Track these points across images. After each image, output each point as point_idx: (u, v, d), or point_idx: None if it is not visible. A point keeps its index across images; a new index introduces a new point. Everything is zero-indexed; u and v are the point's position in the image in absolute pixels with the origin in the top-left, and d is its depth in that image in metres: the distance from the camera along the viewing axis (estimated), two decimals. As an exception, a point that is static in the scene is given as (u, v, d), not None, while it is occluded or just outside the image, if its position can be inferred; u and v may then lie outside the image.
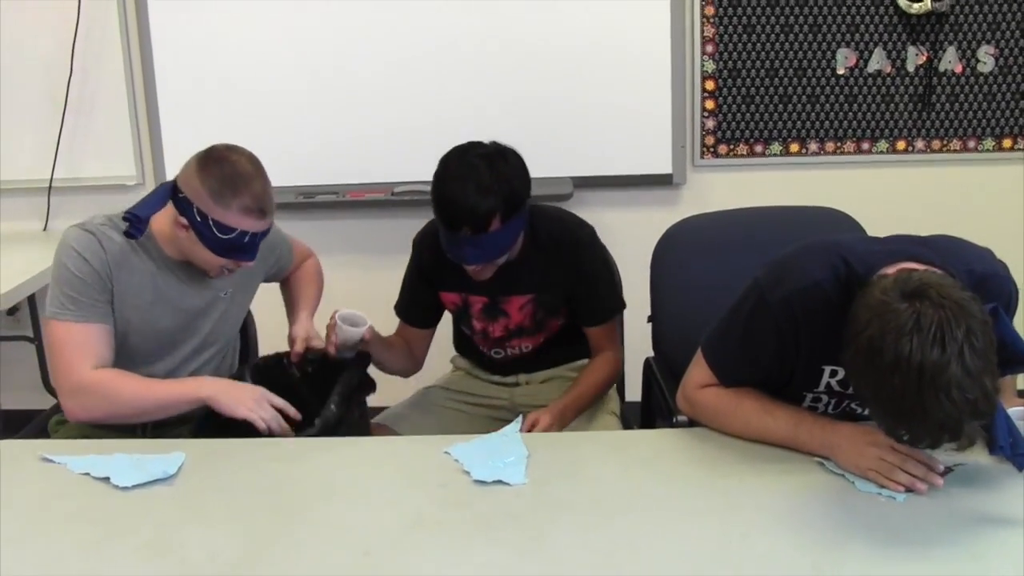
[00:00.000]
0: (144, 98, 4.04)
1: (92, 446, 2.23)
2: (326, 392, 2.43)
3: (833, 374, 2.11)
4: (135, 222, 2.36)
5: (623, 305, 2.83)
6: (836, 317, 1.92)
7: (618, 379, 2.89)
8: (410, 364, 2.87)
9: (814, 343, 2.05)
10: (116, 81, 4.04)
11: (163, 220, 2.44)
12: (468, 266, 2.54)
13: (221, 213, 2.33)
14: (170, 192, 2.38)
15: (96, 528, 1.88)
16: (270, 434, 2.28)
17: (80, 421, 2.41)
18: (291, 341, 2.64)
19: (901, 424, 1.77)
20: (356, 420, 2.52)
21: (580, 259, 2.68)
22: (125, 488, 2.01)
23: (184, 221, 2.35)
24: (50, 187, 4.11)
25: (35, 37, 4.02)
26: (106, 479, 2.05)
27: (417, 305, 2.84)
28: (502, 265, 2.61)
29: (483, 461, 2.08)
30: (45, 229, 4.16)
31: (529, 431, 2.46)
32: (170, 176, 3.96)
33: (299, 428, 2.33)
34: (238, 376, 2.52)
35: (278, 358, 2.61)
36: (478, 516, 1.88)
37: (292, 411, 2.33)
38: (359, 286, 4.12)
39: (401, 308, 2.86)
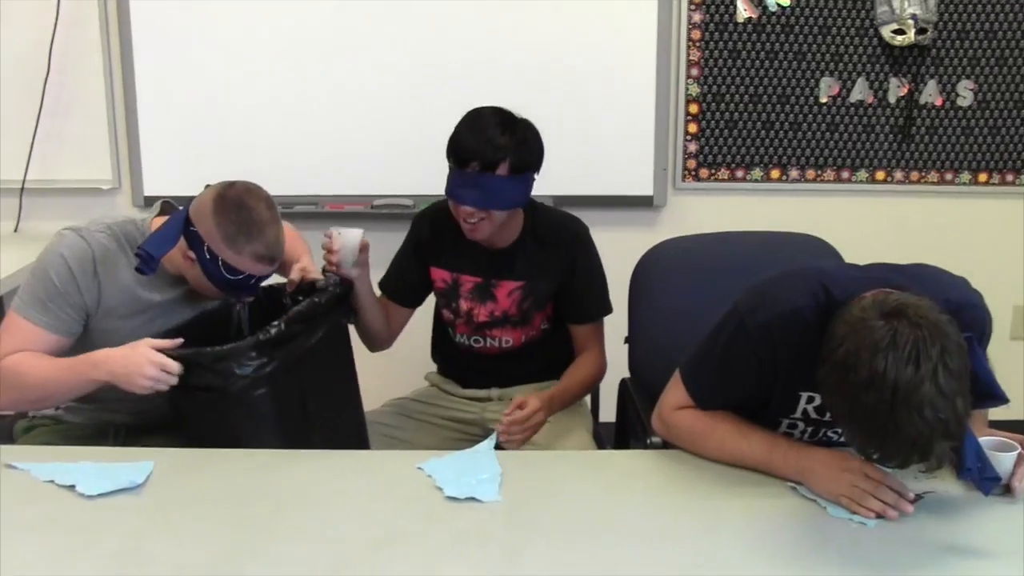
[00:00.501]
0: (123, 101, 4.00)
1: (58, 453, 2.20)
2: (307, 320, 2.39)
3: (810, 400, 2.11)
4: (148, 260, 2.29)
5: (611, 308, 2.85)
6: (814, 343, 1.93)
7: (600, 381, 2.90)
8: (385, 333, 2.85)
9: (792, 369, 2.05)
10: (95, 82, 3.99)
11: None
12: (465, 209, 2.57)
13: (232, 257, 2.30)
14: (183, 225, 2.34)
15: (61, 538, 1.85)
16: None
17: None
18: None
19: (872, 442, 1.78)
20: (321, 347, 2.44)
21: (576, 253, 2.75)
22: (91, 496, 1.98)
23: (192, 255, 2.33)
24: (23, 188, 4.05)
25: (12, 34, 3.96)
26: (71, 487, 2.02)
27: (403, 281, 2.85)
28: (497, 250, 2.71)
29: (456, 477, 2.06)
30: (16, 230, 4.09)
31: (511, 420, 2.51)
32: (147, 182, 3.98)
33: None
34: (228, 306, 2.49)
35: (274, 289, 2.57)
36: (451, 533, 1.86)
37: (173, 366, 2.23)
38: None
39: (386, 283, 2.88)
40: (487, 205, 2.56)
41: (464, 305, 2.78)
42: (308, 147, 4.03)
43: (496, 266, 2.74)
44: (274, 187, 3.94)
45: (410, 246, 2.85)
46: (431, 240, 2.80)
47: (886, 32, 3.92)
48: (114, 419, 2.54)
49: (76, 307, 2.35)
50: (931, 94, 4.04)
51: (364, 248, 2.59)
